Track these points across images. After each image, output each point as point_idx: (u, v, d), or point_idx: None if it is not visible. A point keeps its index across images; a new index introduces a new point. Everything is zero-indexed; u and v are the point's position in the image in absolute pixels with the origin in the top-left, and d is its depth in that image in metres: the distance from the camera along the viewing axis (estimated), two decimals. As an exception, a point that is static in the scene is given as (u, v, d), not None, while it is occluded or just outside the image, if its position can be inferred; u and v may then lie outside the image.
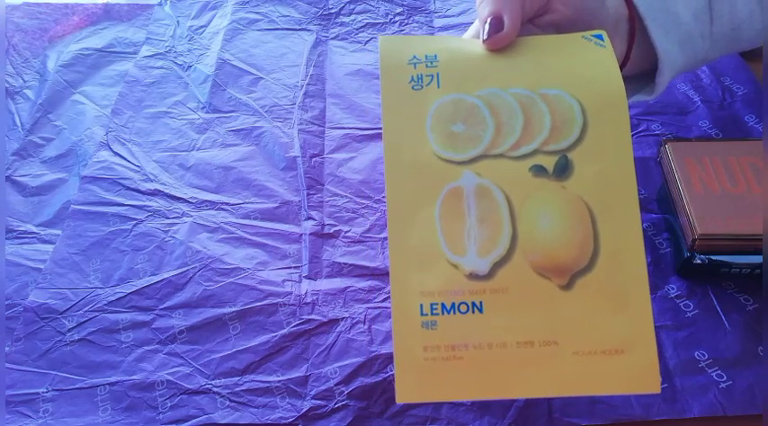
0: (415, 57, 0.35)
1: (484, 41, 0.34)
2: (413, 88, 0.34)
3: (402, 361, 0.31)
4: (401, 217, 0.32)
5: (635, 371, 0.31)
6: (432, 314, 0.31)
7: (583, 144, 0.32)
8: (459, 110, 0.33)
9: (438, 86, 0.34)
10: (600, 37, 0.35)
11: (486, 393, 0.33)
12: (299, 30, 0.69)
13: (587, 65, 0.34)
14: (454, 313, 0.31)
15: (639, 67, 0.41)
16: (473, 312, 0.31)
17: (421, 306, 0.31)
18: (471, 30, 0.37)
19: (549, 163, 0.32)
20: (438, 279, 0.31)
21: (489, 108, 0.33)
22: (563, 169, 0.32)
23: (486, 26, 0.34)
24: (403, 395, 0.31)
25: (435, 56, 0.34)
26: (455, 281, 0.31)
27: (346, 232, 0.50)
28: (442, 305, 0.31)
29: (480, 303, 0.31)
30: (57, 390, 0.41)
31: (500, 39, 0.34)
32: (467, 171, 0.32)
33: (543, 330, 0.31)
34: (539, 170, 0.32)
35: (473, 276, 0.31)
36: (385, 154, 0.33)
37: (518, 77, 0.34)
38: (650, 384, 0.31)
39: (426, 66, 0.34)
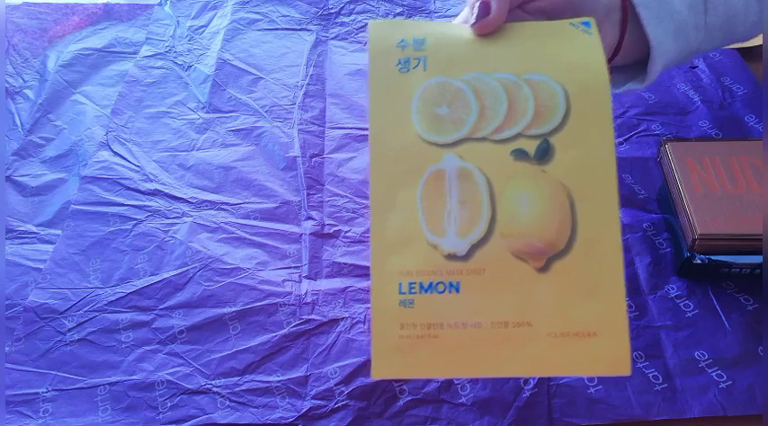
0: (403, 40, 0.35)
1: (471, 26, 0.35)
2: (399, 71, 0.34)
3: (378, 338, 0.32)
4: (383, 197, 0.33)
5: (606, 354, 0.31)
6: (409, 292, 0.32)
7: (565, 129, 0.33)
8: (444, 93, 0.34)
9: (425, 69, 0.34)
10: (587, 24, 0.35)
11: (460, 371, 0.34)
12: (299, 30, 0.69)
13: (573, 52, 0.34)
14: (431, 292, 0.32)
15: (632, 56, 0.41)
16: (450, 292, 0.32)
17: (399, 284, 0.32)
18: (461, 15, 0.37)
19: (531, 147, 0.33)
20: (417, 258, 0.32)
21: (474, 92, 0.34)
22: (544, 153, 0.33)
23: (475, 11, 0.34)
24: (378, 371, 0.32)
25: (424, 39, 0.35)
26: (433, 261, 0.32)
27: (346, 232, 0.50)
28: (420, 284, 0.32)
29: (457, 283, 0.32)
30: (57, 390, 0.41)
31: (487, 24, 0.34)
32: (449, 153, 0.33)
33: (518, 311, 0.32)
34: (520, 154, 0.33)
35: (451, 257, 0.32)
36: (370, 136, 0.33)
37: (504, 62, 0.34)
38: (620, 367, 0.31)
39: (414, 49, 0.35)
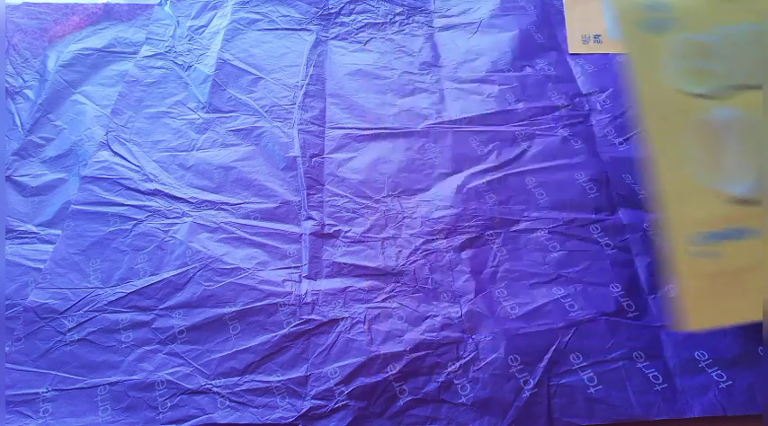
0: (648, 1, 0.37)
1: None
2: (650, 31, 0.36)
3: (688, 291, 0.33)
4: (664, 156, 0.34)
5: None
6: (706, 243, 0.33)
7: None
8: (697, 47, 0.36)
9: (674, 27, 0.36)
10: None
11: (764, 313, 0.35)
12: (299, 30, 0.69)
13: None
14: (728, 239, 0.33)
15: None
16: (747, 236, 0.33)
17: (696, 236, 0.33)
18: None
19: None
20: (709, 209, 0.33)
21: (726, 43, 0.35)
22: None
23: None
24: (695, 322, 0.33)
25: (666, 3, 0.37)
26: (725, 209, 0.33)
27: (346, 232, 0.50)
28: (717, 232, 0.33)
29: (751, 227, 0.33)
30: (57, 390, 0.41)
31: None
32: (716, 103, 0.35)
33: None
34: None
35: (743, 202, 0.33)
36: (638, 98, 0.35)
37: (747, 13, 0.36)
38: None
39: (660, 9, 0.37)
